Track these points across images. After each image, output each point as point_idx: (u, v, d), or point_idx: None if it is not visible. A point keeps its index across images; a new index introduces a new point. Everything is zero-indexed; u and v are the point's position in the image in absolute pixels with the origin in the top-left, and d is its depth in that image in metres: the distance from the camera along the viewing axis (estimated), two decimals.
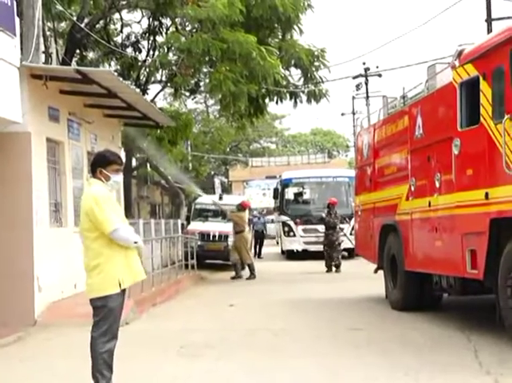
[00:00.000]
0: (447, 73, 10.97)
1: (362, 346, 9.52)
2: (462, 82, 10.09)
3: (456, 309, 12.49)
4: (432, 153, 11.20)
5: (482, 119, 9.44)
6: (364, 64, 43.96)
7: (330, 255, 22.01)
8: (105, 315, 6.71)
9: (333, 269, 22.00)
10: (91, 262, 6.76)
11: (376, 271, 14.43)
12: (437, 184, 10.95)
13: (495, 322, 9.47)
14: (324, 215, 22.80)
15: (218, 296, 16.77)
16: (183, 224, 27.07)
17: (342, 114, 53.20)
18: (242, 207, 22.18)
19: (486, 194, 9.22)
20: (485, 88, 9.44)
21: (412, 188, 12.06)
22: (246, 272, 21.06)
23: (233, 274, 21.29)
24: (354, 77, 43.94)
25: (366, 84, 45.82)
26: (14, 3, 11.80)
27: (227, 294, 16.81)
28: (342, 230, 23.53)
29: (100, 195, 6.73)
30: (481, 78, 9.52)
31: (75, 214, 14.79)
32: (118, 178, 6.98)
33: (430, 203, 11.23)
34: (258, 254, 31.82)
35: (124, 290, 6.87)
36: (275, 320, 12.40)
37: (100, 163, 6.90)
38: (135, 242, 6.83)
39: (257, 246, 32.25)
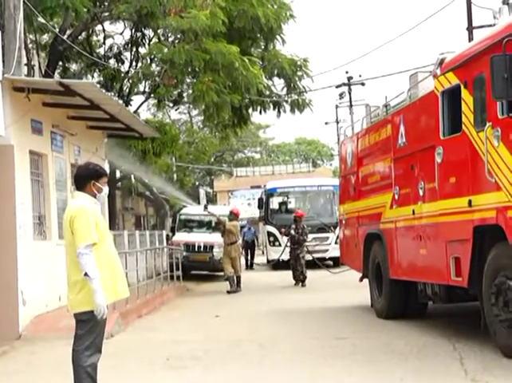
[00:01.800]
0: (428, 82, 11.04)
1: (347, 355, 9.52)
2: (443, 91, 10.14)
3: (441, 316, 12.53)
4: (415, 161, 11.26)
5: (464, 127, 9.49)
6: (347, 73, 44.17)
7: (295, 268, 20.97)
8: (90, 329, 6.65)
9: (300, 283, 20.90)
10: (75, 276, 6.66)
11: (361, 280, 14.45)
12: (420, 192, 11.00)
13: (480, 330, 9.49)
14: (292, 231, 21.19)
15: (203, 307, 16.74)
16: (168, 235, 27.03)
17: (326, 123, 53.31)
18: (234, 215, 21.15)
19: (470, 201, 9.26)
20: (466, 97, 9.49)
21: (396, 197, 12.11)
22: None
23: (221, 285, 21.25)
24: (337, 86, 44.09)
25: (349, 93, 45.96)
26: None
27: (213, 305, 16.78)
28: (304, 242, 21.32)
29: (81, 208, 6.67)
30: (462, 86, 9.57)
31: (59, 226, 14.73)
32: (106, 190, 6.99)
33: (414, 212, 11.28)
34: (250, 265, 31.80)
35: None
36: (261, 330, 12.39)
37: (93, 176, 6.85)
38: (86, 275, 6.50)
39: (249, 257, 32.24)
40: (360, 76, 44.65)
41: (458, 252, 9.75)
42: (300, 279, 20.80)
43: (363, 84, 45.10)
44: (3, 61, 12.78)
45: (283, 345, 10.70)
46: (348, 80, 44.97)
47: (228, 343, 11.09)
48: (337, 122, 50.61)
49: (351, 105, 45.86)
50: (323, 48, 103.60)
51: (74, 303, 6.73)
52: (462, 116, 9.52)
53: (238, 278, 20.46)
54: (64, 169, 15.16)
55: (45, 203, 14.12)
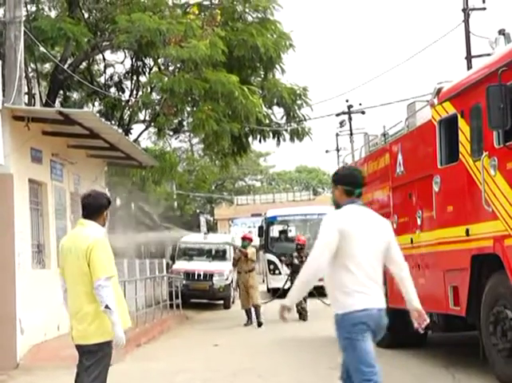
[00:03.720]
0: (426, 111, 11.10)
1: None
2: (440, 120, 10.20)
3: (440, 345, 12.47)
4: (413, 190, 11.29)
5: (461, 156, 9.54)
6: (347, 101, 44.29)
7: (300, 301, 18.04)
8: (98, 360, 6.53)
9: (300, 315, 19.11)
10: (87, 307, 6.50)
11: None
12: (419, 221, 11.02)
13: (479, 359, 9.46)
14: (295, 259, 19.40)
15: (202, 336, 16.68)
16: (168, 263, 26.99)
17: (326, 151, 53.37)
18: (248, 241, 19.51)
19: (467, 230, 9.28)
20: (463, 126, 9.54)
21: (394, 225, 12.08)
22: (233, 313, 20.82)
23: (220, 313, 21.13)
24: (337, 115, 44.21)
25: (350, 121, 46.11)
26: None
27: (212, 334, 16.73)
28: None
29: (101, 239, 6.55)
30: (459, 116, 9.63)
31: (58, 255, 14.75)
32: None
33: (412, 240, 11.28)
34: None
35: None
36: (260, 360, 12.34)
37: (107, 206, 6.77)
38: (107, 307, 6.36)
39: None
40: (360, 104, 44.85)
41: (456, 281, 9.75)
42: (300, 311, 19.03)
43: (363, 112, 45.27)
44: (4, 91, 12.86)
45: (281, 375, 10.66)
46: (349, 109, 45.12)
47: (227, 373, 11.04)
48: (338, 150, 50.70)
49: (351, 134, 45.97)
50: (323, 76, 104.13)
51: (86, 334, 6.55)
52: (459, 145, 9.58)
53: (257, 308, 18.63)
54: (63, 198, 15.20)
55: (44, 232, 14.15)
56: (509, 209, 8.40)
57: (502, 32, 10.21)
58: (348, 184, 5.99)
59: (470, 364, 10.03)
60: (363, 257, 5.77)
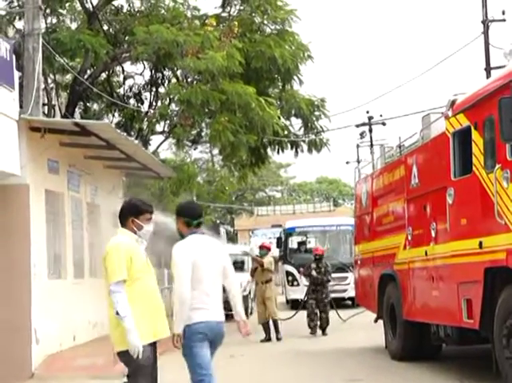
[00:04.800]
0: (440, 123, 11.07)
1: None
2: (454, 132, 10.17)
3: (455, 358, 12.39)
4: (428, 202, 11.24)
5: (474, 168, 9.50)
6: (367, 112, 44.21)
7: (311, 314, 18.32)
8: (134, 371, 6.40)
9: (319, 331, 18.39)
10: (109, 311, 6.44)
11: (376, 321, 14.36)
12: (433, 233, 10.97)
13: (492, 372, 9.39)
14: (313, 271, 18.61)
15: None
16: None
17: (347, 162, 53.32)
18: (267, 249, 18.44)
19: (480, 243, 9.23)
20: (476, 138, 9.51)
21: (409, 237, 12.07)
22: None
23: (234, 325, 20.90)
24: (357, 126, 44.18)
25: (370, 132, 46.01)
26: (13, 57, 12.02)
27: (229, 345, 16.57)
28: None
29: (114, 245, 6.46)
30: (472, 128, 9.60)
31: (75, 265, 14.85)
32: (149, 227, 6.71)
33: (426, 253, 11.23)
34: None
35: (154, 346, 6.59)
36: (275, 372, 12.32)
37: (131, 213, 6.62)
38: (117, 314, 6.27)
39: None
40: (381, 115, 44.78)
41: (469, 294, 9.69)
42: (323, 326, 18.35)
43: (384, 123, 45.18)
44: (22, 102, 12.99)
45: None
46: (369, 120, 45.05)
47: None
48: (358, 162, 50.59)
49: (371, 145, 45.86)
50: (344, 87, 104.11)
51: (113, 341, 6.48)
52: (473, 157, 9.54)
53: (275, 322, 17.67)
54: (80, 208, 15.29)
55: (60, 242, 14.23)
56: None
57: None
58: (187, 216, 6.99)
59: (484, 377, 9.97)
60: (206, 279, 6.83)
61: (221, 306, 7.00)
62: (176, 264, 6.77)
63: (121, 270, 6.34)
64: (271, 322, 17.71)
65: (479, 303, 9.33)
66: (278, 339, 17.32)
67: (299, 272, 28.06)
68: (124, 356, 6.35)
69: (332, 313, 19.03)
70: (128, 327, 6.23)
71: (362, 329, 17.76)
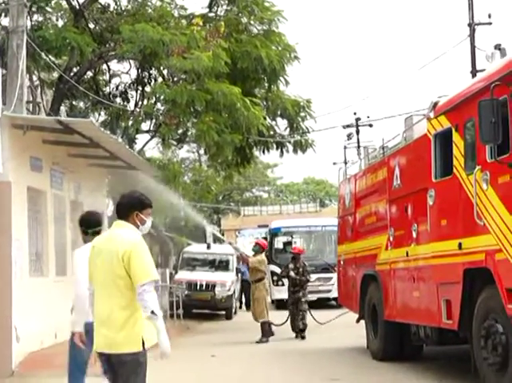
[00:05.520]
0: (423, 125, 11.12)
1: None
2: (436, 134, 10.22)
3: (435, 359, 12.44)
4: (409, 203, 11.31)
5: (455, 170, 9.56)
6: (355, 114, 44.27)
7: (294, 317, 17.85)
8: (137, 371, 6.10)
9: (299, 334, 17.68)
10: (116, 312, 6.06)
11: (357, 321, 14.40)
12: (414, 234, 11.03)
13: (470, 373, 9.44)
14: (291, 271, 17.85)
15: (202, 346, 16.65)
16: (171, 273, 26.95)
17: (334, 163, 53.34)
18: (260, 247, 17.49)
19: (460, 244, 9.28)
20: (457, 140, 9.56)
21: (391, 238, 12.12)
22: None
23: (222, 324, 21.01)
24: (344, 127, 44.23)
25: (357, 133, 46.07)
26: None
27: (212, 344, 16.68)
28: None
29: (140, 242, 6.16)
30: (453, 130, 9.66)
31: (57, 263, 14.81)
32: (149, 222, 6.44)
33: (407, 253, 11.30)
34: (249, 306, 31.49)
35: None
36: (256, 372, 12.33)
37: (136, 207, 6.29)
38: (153, 313, 5.98)
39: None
40: (368, 117, 44.85)
41: (449, 295, 9.74)
42: (299, 329, 17.63)
43: (371, 125, 45.25)
44: (3, 99, 12.94)
45: None
46: (356, 122, 45.11)
47: None
48: (345, 163, 50.62)
49: (358, 146, 45.90)
50: (331, 88, 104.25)
51: (113, 342, 6.08)
52: (453, 159, 9.59)
53: (261, 325, 17.01)
54: (63, 206, 15.25)
55: (42, 240, 14.19)
56: (500, 223, 8.41)
57: (497, 47, 10.22)
58: (83, 226, 7.97)
59: (463, 377, 10.02)
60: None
61: None
62: (77, 268, 7.56)
63: (154, 268, 6.14)
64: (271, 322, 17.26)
65: (458, 304, 9.39)
66: (261, 342, 16.70)
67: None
68: (128, 357, 6.06)
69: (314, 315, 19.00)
70: (161, 327, 6.04)
71: (344, 329, 17.79)
